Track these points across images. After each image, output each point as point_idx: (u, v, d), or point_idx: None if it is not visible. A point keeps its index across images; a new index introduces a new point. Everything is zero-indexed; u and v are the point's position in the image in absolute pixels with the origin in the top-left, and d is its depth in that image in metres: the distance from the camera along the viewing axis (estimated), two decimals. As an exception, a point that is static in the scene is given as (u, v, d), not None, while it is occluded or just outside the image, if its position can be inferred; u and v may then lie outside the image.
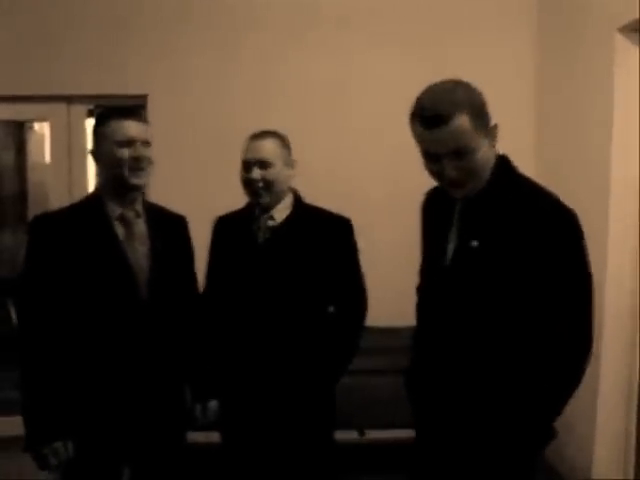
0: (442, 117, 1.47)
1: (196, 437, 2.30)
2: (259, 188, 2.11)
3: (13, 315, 2.05)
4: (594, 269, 2.84)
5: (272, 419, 2.09)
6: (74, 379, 1.86)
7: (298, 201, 2.20)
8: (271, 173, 2.10)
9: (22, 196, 4.19)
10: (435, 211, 1.75)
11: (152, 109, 3.42)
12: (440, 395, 1.68)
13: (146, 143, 1.90)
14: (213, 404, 2.12)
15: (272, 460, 2.11)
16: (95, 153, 1.93)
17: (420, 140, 1.55)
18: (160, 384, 1.92)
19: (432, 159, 1.55)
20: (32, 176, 4.20)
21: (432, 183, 1.71)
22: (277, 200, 2.14)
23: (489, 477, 1.59)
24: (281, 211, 2.15)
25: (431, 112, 1.48)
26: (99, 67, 3.39)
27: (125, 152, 1.86)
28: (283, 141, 2.18)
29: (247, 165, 2.14)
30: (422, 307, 1.79)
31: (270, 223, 2.14)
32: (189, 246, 2.13)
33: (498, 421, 1.56)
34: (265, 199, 2.12)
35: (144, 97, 3.41)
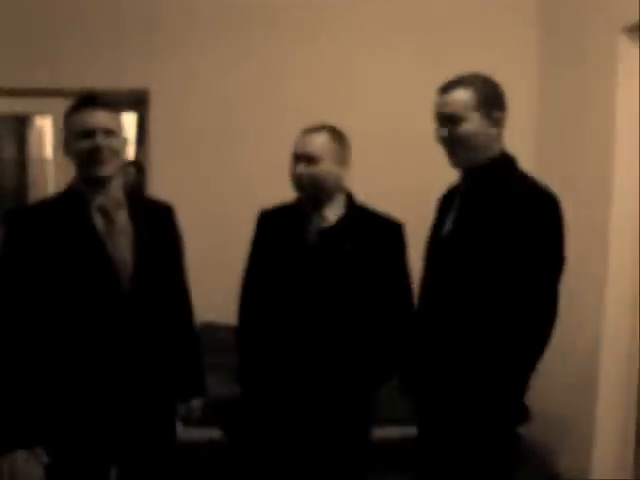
0: (451, 86, 1.85)
1: (191, 434, 2.28)
2: (304, 184, 2.02)
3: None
4: (595, 266, 2.85)
5: (315, 418, 2.05)
6: (53, 379, 1.79)
7: (351, 201, 2.11)
8: (317, 169, 2.00)
9: (23, 190, 4.19)
10: (444, 201, 2.05)
11: (154, 104, 3.42)
12: (435, 379, 1.89)
13: (109, 132, 1.79)
14: (197, 402, 2.04)
15: (309, 460, 2.09)
16: (65, 148, 1.86)
17: (435, 107, 1.89)
18: (144, 381, 1.86)
19: (439, 123, 1.87)
20: (33, 170, 4.20)
21: (441, 181, 1.97)
22: (326, 197, 2.04)
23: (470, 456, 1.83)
24: (333, 211, 2.06)
25: (447, 82, 1.88)
26: (101, 62, 3.38)
27: (84, 143, 1.78)
28: (337, 137, 2.06)
29: (295, 159, 2.04)
30: (422, 281, 2.02)
31: (322, 223, 2.05)
32: (176, 236, 2.02)
33: (474, 395, 1.80)
34: (310, 195, 2.04)
35: (146, 92, 3.40)
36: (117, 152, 1.82)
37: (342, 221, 2.06)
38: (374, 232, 2.08)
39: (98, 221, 1.82)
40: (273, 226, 2.13)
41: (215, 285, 2.65)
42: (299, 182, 2.04)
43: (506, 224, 1.76)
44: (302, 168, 2.01)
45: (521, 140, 3.31)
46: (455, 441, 1.87)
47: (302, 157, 2.02)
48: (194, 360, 2.05)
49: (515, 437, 1.91)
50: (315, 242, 2.04)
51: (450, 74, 1.89)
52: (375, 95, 3.41)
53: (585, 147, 2.97)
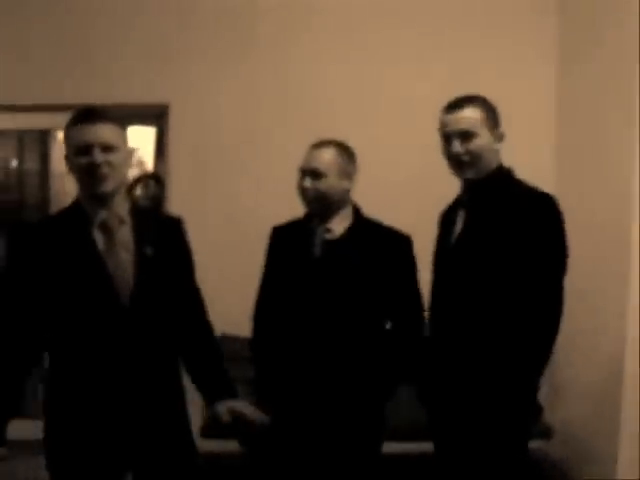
0: (460, 103, 1.97)
1: (210, 446, 2.28)
2: (310, 198, 2.07)
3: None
4: (615, 277, 2.82)
5: (323, 431, 2.06)
6: (61, 391, 1.83)
7: (358, 214, 2.14)
8: (323, 184, 2.04)
9: (45, 203, 4.25)
10: (446, 215, 2.15)
11: (174, 118, 3.46)
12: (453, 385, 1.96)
13: (108, 147, 1.74)
14: (230, 403, 1.97)
15: (319, 473, 2.09)
16: (67, 165, 1.84)
17: (442, 126, 1.99)
18: (150, 393, 1.85)
19: (447, 140, 1.97)
20: (55, 183, 4.26)
21: (449, 188, 2.04)
22: (332, 211, 2.08)
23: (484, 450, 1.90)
24: (339, 224, 2.09)
25: (454, 100, 1.99)
26: (121, 77, 3.44)
27: (82, 160, 1.74)
28: (343, 152, 2.10)
29: (301, 173, 2.09)
30: (432, 292, 2.10)
31: (327, 236, 2.08)
32: (185, 250, 1.98)
33: (488, 396, 1.88)
34: (316, 209, 2.08)
35: (166, 106, 3.44)
36: (117, 168, 1.76)
37: (348, 234, 2.09)
38: (381, 244, 2.10)
39: (98, 238, 1.80)
40: (284, 241, 2.18)
41: (232, 298, 2.66)
42: (305, 196, 2.08)
43: (511, 226, 1.88)
44: (308, 183, 2.05)
45: (541, 145, 3.34)
46: (471, 451, 1.93)
47: (308, 172, 2.05)
48: (218, 366, 2.00)
49: (527, 450, 1.97)
50: (321, 255, 2.07)
51: (462, 87, 2.00)
52: (393, 110, 3.41)
53: (606, 151, 2.94)
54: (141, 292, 1.81)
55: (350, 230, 2.09)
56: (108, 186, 1.76)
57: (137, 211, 1.89)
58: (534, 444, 2.02)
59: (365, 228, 2.12)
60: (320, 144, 2.10)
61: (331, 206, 2.07)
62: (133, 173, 4.12)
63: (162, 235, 1.91)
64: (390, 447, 2.24)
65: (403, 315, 2.12)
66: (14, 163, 4.25)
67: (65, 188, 4.09)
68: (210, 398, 1.96)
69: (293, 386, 2.07)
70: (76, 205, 1.86)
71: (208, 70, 3.46)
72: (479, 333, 1.91)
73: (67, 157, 1.81)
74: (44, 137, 4.21)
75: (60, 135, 4.25)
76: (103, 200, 1.79)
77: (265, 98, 3.45)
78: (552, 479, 3.02)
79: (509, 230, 1.87)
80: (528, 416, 1.92)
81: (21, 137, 4.18)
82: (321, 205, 2.07)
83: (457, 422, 1.96)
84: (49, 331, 1.82)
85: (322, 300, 2.05)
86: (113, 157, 1.75)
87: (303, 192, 2.08)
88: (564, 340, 1.90)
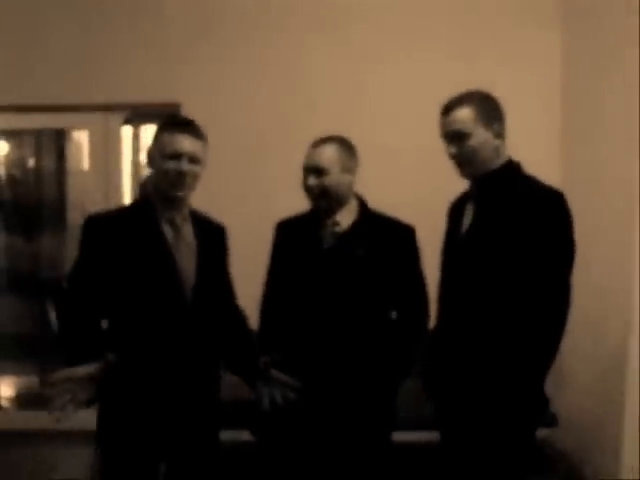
0: (452, 105, 1.97)
1: (227, 436, 2.34)
2: (316, 195, 2.11)
3: (52, 317, 2.10)
4: (621, 269, 2.83)
5: (332, 420, 2.10)
6: (117, 377, 1.91)
7: (363, 207, 2.18)
8: (327, 180, 2.08)
9: (61, 201, 4.33)
10: (455, 209, 2.16)
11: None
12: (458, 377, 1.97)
13: (194, 159, 1.92)
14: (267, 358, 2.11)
15: (328, 463, 2.14)
16: (149, 160, 1.99)
17: (440, 128, 2.01)
18: (197, 384, 1.97)
19: (447, 141, 1.99)
20: (71, 182, 4.34)
21: (456, 183, 2.07)
22: (338, 205, 2.13)
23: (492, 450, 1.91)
24: (346, 217, 2.14)
25: (447, 102, 2.00)
26: (135, 77, 3.51)
27: (171, 165, 1.90)
28: (344, 147, 2.15)
29: (305, 171, 2.13)
30: (440, 285, 2.11)
31: (336, 229, 2.12)
32: (226, 255, 2.16)
33: (495, 392, 1.89)
34: (323, 205, 2.12)
35: (177, 105, 3.50)
36: (197, 177, 1.96)
37: (355, 227, 2.13)
38: (387, 236, 2.14)
39: (168, 232, 1.95)
40: (290, 235, 2.23)
41: (239, 293, 2.71)
42: (311, 194, 2.13)
43: (519, 222, 1.87)
44: (312, 180, 2.10)
45: (546, 140, 3.36)
46: (477, 443, 1.94)
47: (311, 169, 2.10)
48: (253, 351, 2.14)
49: (535, 441, 1.97)
50: (329, 248, 2.12)
51: (465, 77, 2.01)
52: (400, 106, 3.45)
53: (610, 144, 2.95)
54: (201, 286, 1.95)
55: (357, 223, 2.14)
56: (186, 193, 1.95)
57: (193, 214, 2.05)
58: (539, 433, 2.03)
59: (371, 221, 2.16)
60: (320, 141, 2.14)
61: (336, 200, 2.12)
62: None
63: (213, 237, 2.07)
64: (399, 436, 2.27)
65: (408, 304, 2.16)
66: (31, 162, 4.34)
67: (80, 186, 4.17)
68: (250, 381, 2.10)
69: (303, 377, 2.10)
70: (145, 200, 2.01)
71: (219, 70, 3.51)
72: (487, 326, 1.92)
73: (151, 155, 1.97)
74: (60, 136, 4.29)
75: (76, 134, 4.34)
76: (175, 202, 1.96)
77: (275, 97, 3.50)
78: (557, 467, 3.05)
79: (517, 226, 1.87)
80: (535, 408, 1.92)
81: (38, 136, 4.26)
82: (327, 201, 2.11)
83: (464, 414, 1.97)
84: (113, 315, 1.94)
85: (331, 292, 2.09)
86: (196, 168, 1.94)
87: (308, 190, 2.13)
88: (569, 330, 1.91)
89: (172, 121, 2.01)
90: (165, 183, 1.93)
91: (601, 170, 3.03)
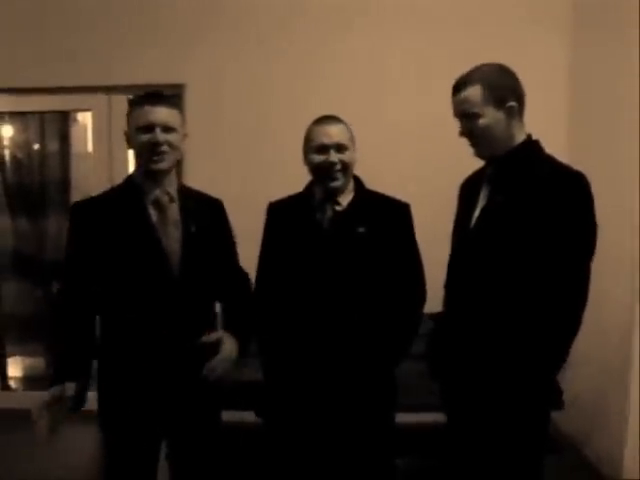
0: (457, 86, 1.90)
1: (230, 417, 2.36)
2: (336, 171, 2.09)
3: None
4: (628, 249, 2.81)
5: (334, 401, 2.10)
6: (110, 356, 1.96)
7: (359, 185, 2.19)
8: (347, 156, 2.10)
9: (65, 183, 4.33)
10: (468, 188, 2.08)
11: (190, 98, 3.51)
12: (464, 362, 1.92)
13: (168, 128, 1.90)
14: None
15: (332, 443, 2.14)
16: (127, 140, 1.99)
17: (452, 106, 1.93)
18: (194, 361, 1.97)
19: (459, 120, 1.92)
20: (75, 164, 4.33)
21: (467, 166, 2.04)
22: (347, 184, 2.14)
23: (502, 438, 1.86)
24: (346, 195, 2.15)
25: (456, 81, 1.92)
26: (138, 58, 3.50)
27: (144, 137, 1.89)
28: (347, 124, 2.16)
29: (323, 149, 2.09)
30: (449, 269, 2.05)
31: (336, 208, 2.13)
32: (226, 228, 2.16)
33: (506, 379, 1.82)
34: (340, 182, 2.10)
35: (182, 86, 3.49)
36: (174, 147, 1.93)
37: (353, 205, 2.14)
38: (384, 214, 2.15)
39: (153, 214, 1.95)
40: (286, 215, 2.20)
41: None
42: (332, 170, 2.09)
43: (537, 205, 1.78)
44: (335, 157, 2.08)
45: (552, 124, 3.33)
46: (485, 426, 1.90)
47: (332, 146, 2.08)
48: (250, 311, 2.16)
49: (547, 422, 1.91)
50: (329, 226, 2.12)
51: (475, 56, 1.95)
52: (405, 88, 3.43)
53: (617, 130, 2.95)
54: (188, 265, 1.96)
55: (355, 201, 2.15)
56: (165, 163, 1.92)
57: (183, 191, 2.05)
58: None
59: (368, 199, 2.17)
60: (332, 119, 2.13)
61: (349, 178, 2.14)
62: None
63: (205, 214, 2.06)
64: (403, 417, 2.27)
65: (404, 282, 2.16)
66: (36, 144, 4.33)
67: (85, 167, 4.17)
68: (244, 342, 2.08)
69: (302, 358, 2.11)
70: (130, 181, 2.01)
71: (223, 51, 3.50)
72: (499, 311, 1.85)
73: (128, 134, 1.96)
74: (64, 119, 4.28)
75: (80, 117, 4.32)
76: (157, 177, 1.95)
77: (278, 79, 3.48)
78: (562, 449, 3.06)
79: (535, 208, 1.79)
80: (547, 396, 1.85)
81: (42, 119, 4.25)
82: (346, 177, 2.12)
83: (472, 400, 1.93)
84: (103, 296, 1.96)
85: (333, 272, 2.09)
86: (172, 137, 1.92)
87: (330, 166, 2.08)
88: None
89: (145, 95, 1.97)
90: (143, 158, 1.92)
91: (608, 159, 3.02)
